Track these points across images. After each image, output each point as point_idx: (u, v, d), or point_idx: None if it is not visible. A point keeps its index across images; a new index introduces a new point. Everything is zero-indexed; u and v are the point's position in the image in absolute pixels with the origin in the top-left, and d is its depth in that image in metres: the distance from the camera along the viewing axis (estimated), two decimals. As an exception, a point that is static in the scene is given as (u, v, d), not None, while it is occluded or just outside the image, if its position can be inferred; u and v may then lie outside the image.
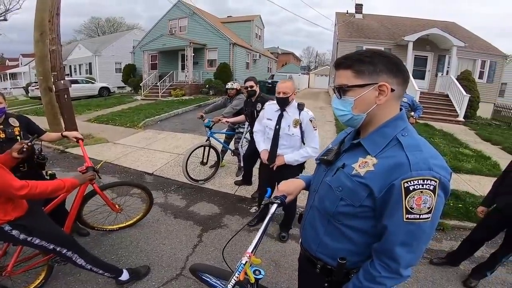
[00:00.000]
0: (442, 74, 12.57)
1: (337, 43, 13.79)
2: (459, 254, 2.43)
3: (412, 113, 4.84)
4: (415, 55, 12.29)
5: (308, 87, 30.32)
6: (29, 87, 15.59)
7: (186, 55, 15.32)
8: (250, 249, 1.07)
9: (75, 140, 2.40)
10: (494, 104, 12.65)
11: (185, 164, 3.70)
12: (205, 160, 4.01)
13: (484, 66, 12.69)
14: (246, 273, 1.05)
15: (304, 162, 2.48)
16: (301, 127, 2.30)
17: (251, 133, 3.46)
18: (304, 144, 2.35)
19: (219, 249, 2.55)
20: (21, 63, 32.24)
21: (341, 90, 0.87)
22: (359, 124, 0.89)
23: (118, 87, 20.16)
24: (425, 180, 0.72)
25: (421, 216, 0.74)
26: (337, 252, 0.92)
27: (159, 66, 17.76)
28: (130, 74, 18.32)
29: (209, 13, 19.49)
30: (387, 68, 0.81)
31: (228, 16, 23.53)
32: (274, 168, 2.39)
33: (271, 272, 2.28)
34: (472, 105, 10.32)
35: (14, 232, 1.53)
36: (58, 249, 1.70)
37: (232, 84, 4.07)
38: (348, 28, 14.56)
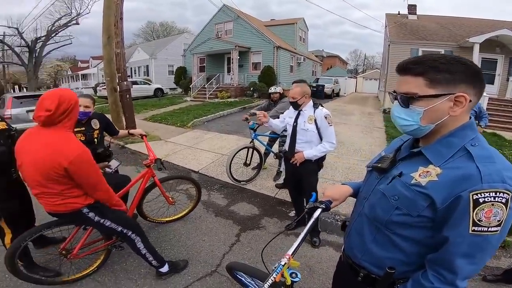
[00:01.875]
0: (515, 79, 10.99)
1: (389, 45, 12.89)
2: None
3: (479, 122, 4.32)
4: (482, 58, 10.91)
5: (355, 91, 29.00)
6: (97, 87, 17.57)
7: (232, 58, 15.81)
8: (290, 251, 1.09)
9: (140, 136, 2.71)
10: None
11: (229, 164, 3.84)
12: (248, 162, 4.12)
13: None
14: (283, 275, 1.07)
15: (323, 160, 2.63)
16: (316, 124, 2.44)
17: None
18: (322, 140, 2.49)
19: (255, 249, 2.60)
20: (91, 65, 36.25)
21: (409, 99, 0.80)
22: (424, 134, 0.84)
23: (171, 89, 21.58)
24: (498, 193, 0.68)
25: (490, 229, 0.70)
26: (384, 261, 0.90)
27: (206, 69, 18.59)
28: (181, 76, 19.44)
29: (253, 16, 19.86)
30: (466, 77, 0.75)
31: (271, 19, 23.70)
32: (295, 163, 2.51)
33: (304, 277, 2.27)
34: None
35: (90, 215, 1.74)
36: (125, 231, 1.90)
37: (275, 88, 4.13)
38: (401, 30, 13.57)
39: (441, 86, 0.76)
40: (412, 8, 15.60)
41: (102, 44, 6.46)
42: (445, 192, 0.74)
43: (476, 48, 10.41)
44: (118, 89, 6.59)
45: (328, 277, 2.25)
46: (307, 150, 2.47)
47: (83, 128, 2.44)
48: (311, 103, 2.52)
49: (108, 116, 5.51)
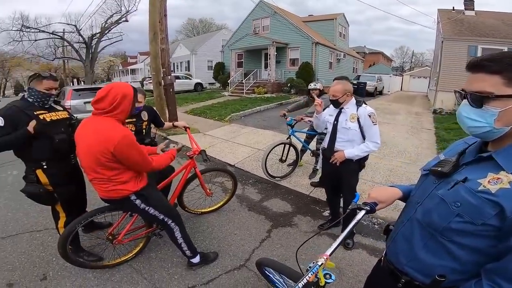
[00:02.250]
0: None
1: (442, 42, 11.87)
2: None
3: None
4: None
5: (401, 89, 27.11)
6: (144, 81, 18.81)
7: (269, 54, 15.79)
8: (328, 252, 1.07)
9: (183, 129, 2.86)
10: None
11: (264, 159, 3.84)
12: (284, 158, 4.10)
13: None
14: (316, 275, 1.05)
15: (365, 160, 2.53)
16: (359, 122, 2.34)
17: None
18: (364, 140, 2.39)
19: (285, 246, 2.58)
20: (139, 60, 38.65)
21: (482, 99, 0.75)
22: (495, 137, 0.78)
23: (209, 83, 22.26)
24: None
25: None
26: (433, 268, 0.86)
27: (244, 64, 18.77)
28: (220, 71, 19.96)
29: (290, 12, 19.53)
30: None
31: (309, 15, 23.06)
32: (334, 162, 2.41)
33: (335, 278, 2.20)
34: None
35: (137, 202, 1.85)
36: (166, 219, 1.99)
37: (315, 84, 4.03)
38: (456, 26, 12.48)
39: None
40: (469, 4, 14.38)
41: (148, 40, 6.85)
42: None
43: None
44: (163, 83, 6.96)
45: (358, 280, 2.17)
46: (348, 149, 2.37)
47: (134, 119, 2.64)
48: (353, 100, 2.41)
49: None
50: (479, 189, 0.76)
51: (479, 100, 0.75)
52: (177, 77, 17.10)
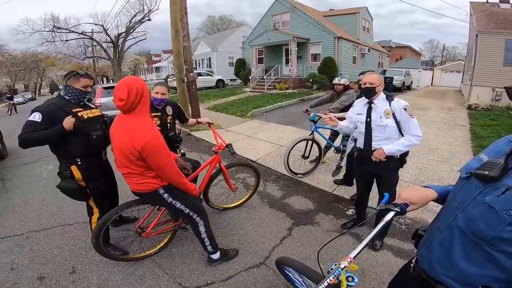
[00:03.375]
0: None
1: (476, 35, 11.26)
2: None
3: None
4: None
5: (432, 84, 25.71)
6: (168, 79, 19.34)
7: (290, 50, 15.61)
8: (352, 254, 1.04)
9: (207, 125, 2.87)
10: None
11: (287, 156, 3.79)
12: (306, 154, 4.01)
13: None
14: (338, 277, 1.01)
15: (406, 156, 2.38)
16: (395, 118, 2.20)
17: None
18: (402, 135, 2.25)
19: (306, 245, 2.53)
20: (162, 58, 39.81)
21: None
22: None
23: (231, 80, 22.41)
24: None
25: None
26: (474, 278, 0.81)
27: (265, 60, 18.69)
28: (241, 67, 20.04)
29: (310, 7, 19.07)
30: None
31: (330, 10, 22.44)
32: (374, 161, 2.27)
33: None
34: None
35: (165, 195, 1.91)
36: (191, 213, 2.03)
37: (339, 80, 3.90)
38: (491, 19, 11.80)
39: None
40: None
41: (171, 38, 7.00)
42: None
43: None
44: (186, 80, 7.10)
45: (381, 282, 2.09)
46: (385, 146, 2.23)
47: (159, 113, 2.70)
48: (383, 95, 2.27)
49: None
50: None
51: None
52: (199, 74, 17.37)
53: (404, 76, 17.42)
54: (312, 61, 16.66)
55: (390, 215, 1.02)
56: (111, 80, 34.09)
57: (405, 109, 2.17)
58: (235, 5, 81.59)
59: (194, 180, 2.62)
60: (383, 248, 2.51)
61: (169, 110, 2.79)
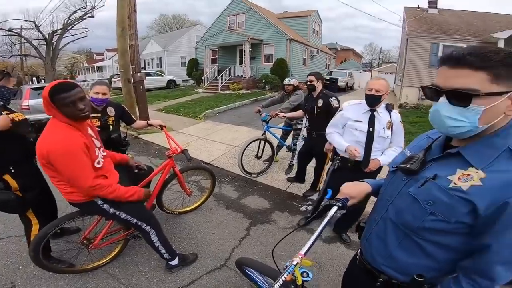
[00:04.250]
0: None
1: (407, 39, 12.50)
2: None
3: None
4: (506, 55, 10.47)
5: (370, 84, 28.33)
6: (112, 79, 17.92)
7: (244, 50, 15.76)
8: (303, 251, 1.06)
9: (159, 127, 2.70)
10: None
11: (240, 156, 3.80)
12: (260, 154, 4.07)
13: None
14: (294, 274, 1.04)
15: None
16: (392, 129, 2.17)
17: (309, 129, 3.39)
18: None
19: (264, 244, 2.57)
20: (106, 57, 36.91)
21: (469, 96, 0.68)
22: (469, 136, 0.75)
23: (183, 80, 21.72)
24: None
25: None
26: (409, 267, 0.86)
27: (218, 61, 18.55)
28: (193, 68, 19.53)
29: (265, 8, 19.58)
30: None
31: (284, 12, 23.29)
32: (367, 171, 2.22)
33: (314, 274, 2.22)
34: None
35: (105, 206, 1.74)
36: (139, 223, 1.89)
37: (289, 80, 4.04)
38: (420, 24, 13.16)
39: (503, 82, 0.67)
40: (432, 2, 15.13)
41: (116, 36, 6.53)
42: (490, 198, 0.68)
43: (501, 43, 10.03)
44: (132, 80, 6.66)
45: (338, 274, 2.22)
46: (379, 157, 2.21)
47: (99, 114, 2.48)
48: (383, 104, 2.17)
49: (122, 106, 5.47)
50: (450, 186, 0.75)
51: (465, 98, 0.69)
52: (148, 74, 16.50)
53: (348, 77, 18.86)
54: (265, 62, 17.01)
55: (333, 210, 1.08)
56: (42, 80, 30.27)
57: (401, 122, 2.19)
58: (191, 3, 79.30)
59: (148, 185, 2.45)
60: (335, 241, 2.67)
61: (110, 111, 2.57)
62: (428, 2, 15.18)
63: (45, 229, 1.79)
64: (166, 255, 2.05)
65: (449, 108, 0.73)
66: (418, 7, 15.46)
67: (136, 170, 2.24)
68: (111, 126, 2.56)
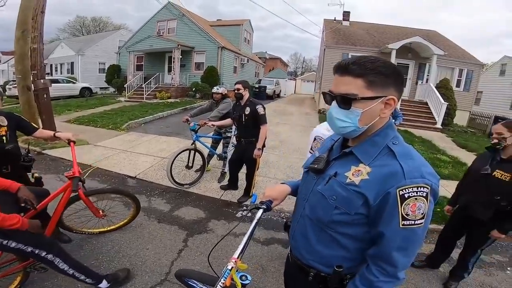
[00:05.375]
0: (422, 82, 13.04)
1: (324, 49, 13.95)
2: (436, 256, 2.51)
3: (393, 121, 5.00)
4: (397, 63, 12.53)
5: (295, 92, 30.75)
6: (7, 86, 14.92)
7: (173, 58, 15.19)
8: (236, 255, 1.06)
9: (67, 141, 2.30)
10: (470, 112, 13.25)
11: (169, 167, 3.62)
12: (190, 164, 3.95)
13: (462, 75, 13.11)
14: (232, 279, 1.03)
15: None
16: None
17: (238, 137, 3.45)
18: None
19: (205, 254, 2.51)
20: (0, 60, 30.74)
21: (350, 100, 0.80)
22: (357, 135, 0.86)
23: (101, 88, 19.62)
24: (419, 188, 0.74)
25: (416, 222, 0.76)
26: (331, 259, 0.92)
27: (145, 68, 17.47)
28: (115, 74, 17.92)
29: (198, 15, 19.49)
30: (395, 81, 0.80)
31: (217, 20, 23.52)
32: None
33: (258, 277, 2.27)
34: (450, 113, 10.81)
35: None
36: (36, 251, 1.60)
37: (217, 89, 4.07)
38: (335, 35, 14.82)
39: (377, 88, 0.78)
40: (346, 15, 17.26)
41: (14, 38, 5.51)
42: (376, 190, 0.78)
43: (393, 54, 11.95)
44: (33, 87, 5.66)
45: (281, 273, 2.26)
46: None
47: None
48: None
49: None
50: (346, 182, 0.84)
51: (347, 101, 0.80)
52: (55, 81, 14.37)
53: (275, 85, 20.13)
54: (195, 69, 16.73)
55: (259, 212, 1.13)
56: None
57: None
58: (116, 7, 71.77)
59: (44, 209, 2.06)
60: (273, 242, 2.78)
61: (1, 120, 2.12)
62: (343, 14, 17.25)
63: None
64: (88, 280, 1.84)
65: (338, 110, 0.84)
66: (335, 20, 17.38)
67: (23, 204, 1.75)
68: (4, 138, 2.10)
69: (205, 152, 4.20)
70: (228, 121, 3.58)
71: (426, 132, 9.53)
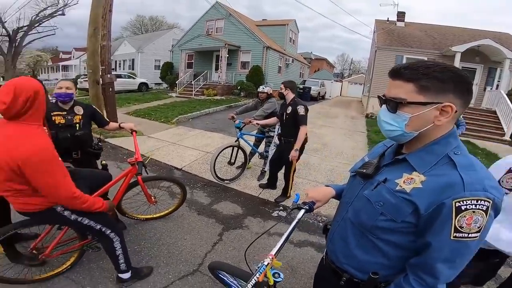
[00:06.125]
0: (491, 89, 11.51)
1: (375, 51, 13.20)
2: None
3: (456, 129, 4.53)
4: (462, 67, 11.28)
5: (340, 95, 29.62)
6: (78, 79, 17.01)
7: (221, 56, 15.75)
8: (273, 251, 1.09)
9: (130, 131, 2.61)
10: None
11: (213, 162, 3.79)
12: (232, 160, 4.09)
13: (539, 81, 11.24)
14: (265, 275, 1.06)
15: None
16: None
17: (279, 136, 3.49)
18: None
19: (237, 249, 2.58)
20: (73, 56, 34.95)
21: (397, 104, 0.80)
22: (406, 140, 0.85)
23: (156, 84, 21.19)
24: (479, 201, 0.70)
25: (470, 235, 0.72)
26: (367, 265, 0.91)
27: (194, 65, 18.39)
28: (168, 71, 19.13)
29: (245, 15, 19.82)
30: (455, 87, 0.75)
31: (263, 20, 23.71)
32: None
33: (287, 278, 2.28)
34: (522, 124, 9.36)
35: (66, 213, 1.63)
36: (103, 229, 1.79)
37: (263, 88, 4.13)
38: (388, 36, 13.94)
39: (430, 94, 0.76)
40: (401, 15, 16.06)
41: (87, 35, 6.25)
42: (429, 199, 0.76)
43: (458, 57, 10.77)
44: (101, 81, 6.38)
45: (310, 277, 2.28)
46: None
47: (65, 112, 2.37)
48: None
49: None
50: (396, 189, 0.82)
51: (394, 105, 0.81)
52: (119, 76, 15.90)
53: (320, 87, 19.62)
54: (241, 68, 17.12)
55: (301, 212, 1.14)
56: (1, 78, 27.89)
57: None
58: (170, 6, 77.81)
59: (106, 193, 2.33)
60: (306, 245, 2.76)
61: (78, 110, 2.45)
62: (397, 15, 16.12)
63: None
64: (123, 266, 1.95)
65: (385, 113, 0.84)
66: (388, 20, 16.34)
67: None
68: (77, 125, 2.43)
69: (248, 149, 4.31)
70: (272, 120, 3.63)
71: (491, 144, 8.41)
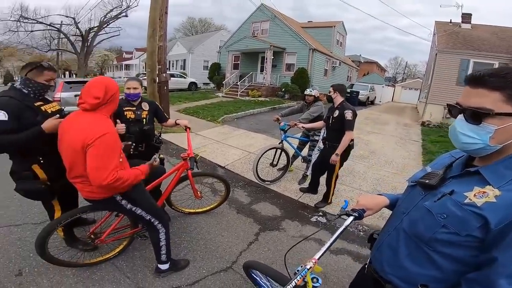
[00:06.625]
0: None
1: (436, 54, 12.02)
2: None
3: None
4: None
5: (392, 100, 27.69)
6: (138, 77, 18.60)
7: (266, 58, 15.90)
8: (317, 256, 1.09)
9: (184, 128, 2.84)
10: None
11: (256, 163, 3.85)
12: (275, 162, 4.11)
13: None
14: (304, 279, 1.06)
15: None
16: None
17: (324, 139, 3.41)
18: None
19: (272, 250, 2.59)
20: (134, 56, 38.33)
21: (480, 115, 0.73)
22: (486, 154, 0.78)
23: (204, 83, 22.22)
24: None
25: None
26: (417, 277, 0.88)
27: (240, 66, 18.87)
28: (215, 72, 19.93)
29: (290, 17, 19.74)
30: None
31: (308, 21, 23.31)
32: None
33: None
34: None
35: (123, 202, 1.81)
36: (152, 220, 1.95)
37: (310, 91, 4.07)
38: (450, 39, 12.61)
39: None
40: (466, 17, 14.49)
41: (146, 37, 6.79)
42: (502, 214, 0.71)
43: None
44: (157, 80, 6.91)
45: (342, 286, 2.21)
46: None
47: (134, 108, 2.65)
48: None
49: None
50: (465, 202, 0.78)
51: (477, 116, 0.74)
52: (172, 75, 16.97)
53: (369, 91, 18.56)
54: (286, 70, 17.10)
55: (349, 219, 1.12)
56: (74, 75, 31.96)
57: None
58: (218, 8, 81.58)
59: (157, 188, 2.54)
60: (343, 253, 2.66)
61: (145, 106, 2.74)
62: (462, 17, 14.62)
63: (53, 222, 1.87)
64: (163, 257, 2.06)
65: (464, 125, 0.78)
66: (450, 22, 14.92)
67: None
68: (144, 120, 2.70)
69: (291, 152, 4.29)
70: (318, 124, 3.56)
71: None
